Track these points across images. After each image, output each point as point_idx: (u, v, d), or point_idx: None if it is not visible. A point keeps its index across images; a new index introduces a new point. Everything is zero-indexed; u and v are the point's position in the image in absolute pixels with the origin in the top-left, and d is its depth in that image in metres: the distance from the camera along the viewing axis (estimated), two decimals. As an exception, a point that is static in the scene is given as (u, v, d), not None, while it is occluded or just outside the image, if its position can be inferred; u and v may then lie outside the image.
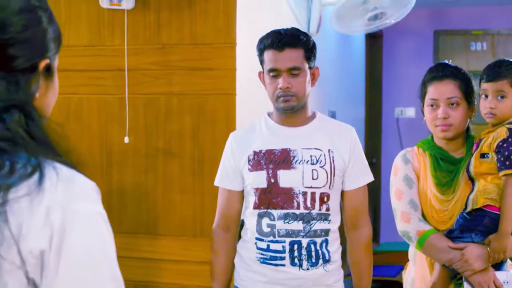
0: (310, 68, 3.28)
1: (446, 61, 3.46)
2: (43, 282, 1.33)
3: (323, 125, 3.37)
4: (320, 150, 3.28)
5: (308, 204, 3.25)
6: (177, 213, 4.29)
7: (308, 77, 3.27)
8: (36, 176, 1.35)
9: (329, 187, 3.27)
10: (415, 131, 8.67)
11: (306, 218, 3.24)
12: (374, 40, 9.01)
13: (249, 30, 4.31)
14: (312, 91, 3.33)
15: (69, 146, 1.49)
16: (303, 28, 4.95)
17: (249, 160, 3.32)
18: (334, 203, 3.31)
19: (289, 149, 3.28)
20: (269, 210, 3.27)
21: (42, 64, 1.50)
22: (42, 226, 1.33)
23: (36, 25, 1.48)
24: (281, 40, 3.22)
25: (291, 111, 3.28)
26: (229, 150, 3.41)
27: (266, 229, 3.29)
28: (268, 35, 3.28)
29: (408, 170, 3.36)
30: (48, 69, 1.51)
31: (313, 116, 3.40)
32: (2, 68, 1.42)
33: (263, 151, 3.30)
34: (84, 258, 1.38)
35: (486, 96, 3.24)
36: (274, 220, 3.27)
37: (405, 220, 3.29)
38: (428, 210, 3.31)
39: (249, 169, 3.32)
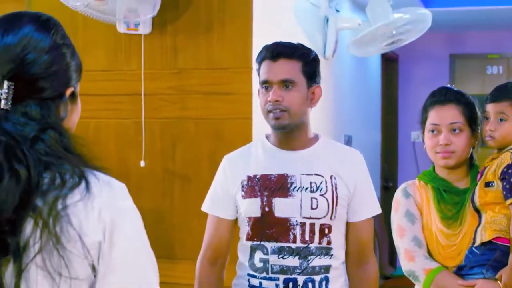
0: (309, 85, 2.96)
1: (449, 86, 3.30)
2: (100, 265, 1.66)
3: (326, 149, 3.04)
4: (321, 176, 2.95)
5: (306, 237, 2.91)
6: (194, 237, 4.29)
7: (305, 93, 2.94)
8: (83, 184, 1.66)
9: (331, 218, 2.93)
10: (431, 154, 8.64)
11: (303, 253, 2.90)
12: (390, 63, 9.01)
13: (265, 54, 4.31)
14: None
15: (93, 154, 1.80)
16: (319, 53, 4.95)
17: (242, 186, 2.99)
18: (337, 236, 2.97)
19: (287, 174, 2.95)
20: (262, 243, 2.94)
21: (68, 92, 1.78)
22: (97, 223, 1.65)
23: (61, 60, 1.75)
24: (276, 49, 2.95)
25: (285, 130, 2.95)
26: (221, 174, 3.11)
27: (258, 264, 2.95)
28: (265, 46, 3.02)
29: (409, 205, 3.14)
30: (72, 95, 1.80)
31: (316, 138, 3.07)
32: (35, 97, 1.70)
33: (257, 176, 2.97)
34: (130, 244, 1.72)
35: (487, 118, 3.11)
36: (267, 254, 2.93)
37: (409, 258, 3.06)
38: (434, 246, 3.08)
39: (242, 195, 2.99)
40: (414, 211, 3.14)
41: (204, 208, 3.16)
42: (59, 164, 1.66)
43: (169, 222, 4.33)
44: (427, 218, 3.12)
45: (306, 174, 2.95)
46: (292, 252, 2.91)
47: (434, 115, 3.12)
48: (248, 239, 2.99)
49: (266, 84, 2.95)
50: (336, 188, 2.95)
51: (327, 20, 5.54)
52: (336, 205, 2.94)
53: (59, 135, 1.70)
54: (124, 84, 4.40)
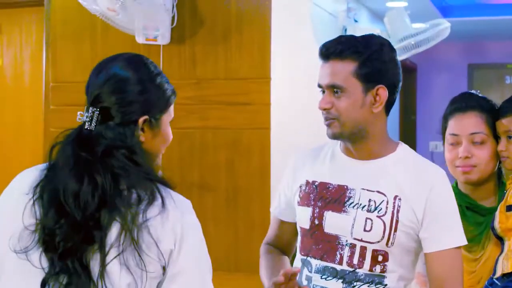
0: (368, 88, 2.51)
1: (474, 91, 2.96)
2: (169, 268, 2.02)
3: (399, 163, 2.58)
4: (384, 194, 2.51)
5: (354, 261, 2.50)
6: (211, 247, 4.26)
7: (359, 99, 2.50)
8: (159, 200, 2.03)
9: (387, 245, 2.49)
10: (450, 165, 8.62)
11: (348, 278, 2.51)
12: (408, 73, 9.00)
13: (283, 65, 4.32)
14: None
15: (160, 171, 2.21)
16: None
17: (300, 191, 2.67)
18: (396, 265, 2.52)
19: (347, 187, 2.56)
20: (308, 259, 2.60)
21: (140, 120, 2.10)
22: (170, 234, 2.01)
23: (131, 95, 2.10)
24: (327, 47, 2.54)
25: (339, 139, 2.60)
26: (288, 172, 2.80)
27: (304, 282, 2.61)
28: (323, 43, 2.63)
29: None
30: (151, 122, 2.12)
31: (393, 149, 2.61)
32: (110, 122, 2.07)
33: (316, 183, 2.62)
34: (193, 252, 2.07)
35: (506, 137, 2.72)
36: (311, 272, 2.59)
37: (421, 283, 2.72)
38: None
39: (298, 201, 2.67)
40: None
41: (271, 208, 2.89)
42: (127, 176, 2.02)
43: (187, 232, 4.33)
44: None
45: (368, 190, 2.54)
46: (336, 274, 2.54)
47: (453, 125, 2.78)
48: (300, 251, 2.68)
49: (320, 88, 2.58)
50: (398, 211, 2.50)
51: (346, 30, 5.54)
52: (395, 231, 2.49)
53: (130, 153, 2.05)
54: (142, 94, 4.40)
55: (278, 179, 4.15)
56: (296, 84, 4.58)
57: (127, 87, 2.10)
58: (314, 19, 5.11)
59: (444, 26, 5.40)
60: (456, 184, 2.84)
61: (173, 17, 4.25)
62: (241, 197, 4.21)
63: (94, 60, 4.49)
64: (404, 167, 2.56)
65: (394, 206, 2.49)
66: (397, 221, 2.48)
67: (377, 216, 2.49)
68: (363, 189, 2.53)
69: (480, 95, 2.89)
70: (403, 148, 2.63)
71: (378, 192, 2.52)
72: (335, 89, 2.50)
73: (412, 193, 2.50)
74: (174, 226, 2.03)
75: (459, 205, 2.63)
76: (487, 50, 9.24)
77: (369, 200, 2.52)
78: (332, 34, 5.39)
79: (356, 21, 5.77)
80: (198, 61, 4.31)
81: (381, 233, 2.48)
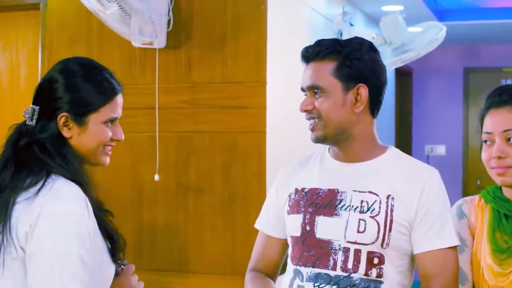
0: (348, 87, 2.46)
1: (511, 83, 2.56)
2: (26, 249, 2.09)
3: (390, 164, 2.52)
4: (376, 195, 2.44)
5: (349, 265, 2.40)
6: (207, 251, 4.29)
7: (340, 99, 2.46)
8: (38, 187, 2.14)
9: (382, 246, 2.40)
10: (446, 169, 8.62)
11: (342, 283, 2.40)
12: (404, 77, 9.01)
13: (279, 69, 4.33)
14: None
15: (85, 170, 2.32)
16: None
17: (289, 200, 2.59)
18: (392, 269, 2.42)
19: (337, 190, 2.48)
20: (299, 268, 2.50)
21: (59, 117, 2.24)
22: (28, 217, 2.10)
23: (49, 94, 2.26)
24: (306, 50, 2.54)
25: (325, 143, 2.55)
26: (274, 186, 2.71)
27: None
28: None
29: (461, 228, 2.54)
30: (76, 120, 2.25)
31: (382, 151, 2.56)
32: (37, 118, 2.27)
33: (306, 190, 2.54)
34: (46, 237, 2.09)
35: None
36: (303, 281, 2.47)
37: None
38: (479, 283, 2.48)
39: (287, 211, 2.58)
40: (465, 236, 2.54)
41: (256, 224, 2.77)
42: (31, 166, 2.19)
43: (182, 236, 4.33)
44: (477, 247, 2.51)
45: (359, 191, 2.46)
46: (330, 280, 2.42)
47: (487, 122, 2.50)
48: (291, 261, 2.56)
49: (303, 92, 2.56)
50: (391, 211, 2.41)
51: (341, 34, 5.55)
52: (390, 231, 2.40)
53: (42, 147, 2.22)
54: (138, 98, 4.41)
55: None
56: (292, 88, 4.57)
57: (54, 86, 2.25)
58: (310, 23, 5.12)
59: (440, 34, 5.41)
60: (500, 188, 2.53)
61: (169, 21, 4.25)
62: (237, 201, 4.21)
63: (90, 64, 4.50)
64: (395, 167, 2.51)
65: (387, 206, 2.42)
66: (391, 221, 2.41)
67: (371, 217, 2.42)
68: (354, 190, 2.47)
69: None
70: (393, 151, 2.60)
71: (370, 192, 2.46)
72: (315, 90, 2.48)
73: (405, 192, 2.44)
74: (33, 211, 2.11)
75: (497, 212, 2.48)
76: (483, 54, 9.25)
77: (361, 201, 2.44)
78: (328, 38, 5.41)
79: (352, 25, 5.78)
80: (194, 65, 4.31)
81: (375, 234, 2.40)
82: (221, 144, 4.27)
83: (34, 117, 2.25)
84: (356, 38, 2.57)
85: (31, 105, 2.27)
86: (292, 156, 4.41)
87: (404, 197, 2.43)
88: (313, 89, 2.49)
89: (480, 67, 9.26)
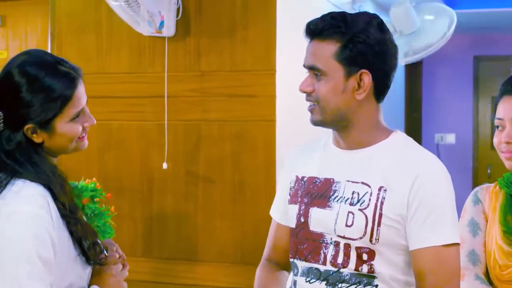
0: (350, 72, 2.27)
1: None
2: None
3: (388, 151, 2.32)
4: (368, 186, 2.27)
5: (338, 260, 2.27)
6: (217, 239, 4.29)
7: (340, 83, 2.27)
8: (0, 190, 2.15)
9: (371, 241, 2.23)
10: (455, 157, 8.61)
11: (331, 279, 2.28)
12: (413, 66, 8.96)
13: (288, 57, 4.31)
14: None
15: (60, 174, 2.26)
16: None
17: (290, 188, 2.47)
18: (384, 264, 2.26)
19: (333, 180, 2.33)
20: (295, 261, 2.39)
21: (25, 129, 2.22)
22: None
23: (12, 102, 2.21)
24: (310, 26, 2.34)
25: (323, 127, 2.38)
26: (283, 170, 2.59)
27: (288, 287, 2.45)
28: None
29: (476, 213, 2.58)
30: (44, 126, 2.22)
31: (384, 137, 2.36)
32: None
33: (305, 178, 2.41)
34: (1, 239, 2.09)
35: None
36: (297, 275, 2.38)
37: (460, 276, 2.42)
38: (491, 264, 2.51)
39: (288, 199, 2.47)
40: (479, 220, 2.59)
41: (270, 210, 2.64)
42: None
43: (192, 224, 4.33)
44: (490, 230, 2.56)
45: (352, 182, 2.30)
46: (320, 276, 2.31)
47: (500, 108, 2.56)
48: (289, 253, 2.46)
49: (305, 69, 2.38)
50: (381, 203, 2.23)
51: (351, 22, 5.52)
52: (379, 225, 2.23)
53: (8, 156, 2.21)
54: (147, 87, 4.41)
55: (283, 172, 4.16)
56: (301, 76, 4.57)
57: (19, 95, 2.20)
58: (320, 11, 5.09)
59: (451, 29, 5.38)
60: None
61: (178, 9, 4.25)
62: (247, 189, 4.21)
63: (99, 52, 4.50)
64: (393, 155, 2.30)
65: (378, 198, 2.24)
66: (380, 215, 2.22)
67: (359, 209, 2.25)
68: (347, 181, 2.30)
69: None
70: (397, 135, 2.37)
71: (363, 183, 2.28)
72: (315, 72, 2.30)
73: (397, 183, 2.24)
74: None
75: (509, 196, 2.53)
76: (493, 42, 9.21)
77: (353, 193, 2.28)
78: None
79: (361, 13, 5.75)
80: (203, 53, 4.31)
81: (363, 228, 2.23)
82: (230, 132, 4.26)
83: (1, 121, 2.24)
84: (364, 15, 2.34)
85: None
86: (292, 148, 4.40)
87: (396, 188, 2.24)
88: (313, 70, 2.31)
89: (490, 55, 9.21)
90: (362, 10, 5.82)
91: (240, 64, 4.23)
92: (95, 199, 3.77)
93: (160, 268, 4.40)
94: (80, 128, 2.29)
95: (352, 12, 5.48)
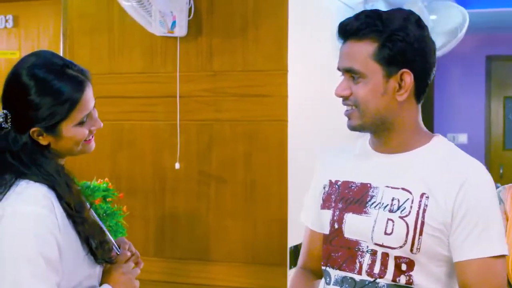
0: (390, 73, 2.16)
1: None
2: None
3: (430, 156, 2.21)
4: (409, 192, 2.15)
5: (375, 269, 2.16)
6: (229, 239, 4.29)
7: (380, 85, 2.16)
8: (3, 189, 2.15)
9: (412, 250, 2.12)
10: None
11: None
12: (425, 65, 8.97)
13: (300, 57, 4.31)
14: None
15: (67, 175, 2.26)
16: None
17: (323, 193, 2.35)
18: (424, 276, 2.15)
19: (370, 185, 2.23)
20: (327, 269, 2.28)
21: (31, 132, 2.21)
22: None
23: (21, 107, 2.21)
24: (344, 26, 2.20)
25: (360, 131, 2.28)
26: (315, 174, 2.47)
27: None
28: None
29: None
30: (50, 130, 2.22)
31: (426, 140, 2.26)
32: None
33: (339, 182, 2.30)
34: (6, 238, 2.08)
35: None
36: (329, 283, 2.27)
37: None
38: (509, 266, 2.47)
39: (320, 204, 2.35)
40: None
41: (301, 216, 2.52)
42: (3, 173, 2.19)
43: (204, 224, 4.34)
44: (509, 231, 2.52)
45: (392, 187, 2.18)
46: (354, 285, 2.20)
47: None
48: (322, 261, 2.34)
49: (339, 72, 2.25)
50: (424, 211, 2.12)
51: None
52: (421, 234, 2.11)
53: (15, 156, 2.21)
54: (159, 87, 4.41)
55: (295, 172, 4.16)
56: (313, 76, 4.57)
57: (27, 98, 2.19)
58: (331, 10, 5.10)
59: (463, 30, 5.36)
60: None
61: (190, 9, 4.25)
62: (259, 189, 4.21)
63: (111, 52, 4.50)
64: (434, 160, 2.19)
65: (419, 205, 2.12)
66: (422, 223, 2.11)
67: (400, 217, 2.13)
68: (386, 186, 2.19)
69: None
70: (439, 140, 2.27)
71: (403, 189, 2.16)
72: (353, 74, 2.18)
73: (441, 190, 2.12)
74: None
75: None
76: (505, 42, 9.18)
77: (392, 199, 2.16)
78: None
79: (373, 12, 5.74)
80: (215, 53, 4.31)
81: (404, 237, 2.11)
82: (242, 132, 4.26)
83: (8, 120, 2.23)
84: (399, 11, 2.22)
85: (3, 110, 2.25)
86: (314, 144, 4.40)
87: (439, 195, 2.12)
88: (350, 73, 2.18)
89: (502, 55, 9.19)
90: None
91: (252, 64, 4.23)
92: (107, 199, 3.78)
93: (172, 268, 4.41)
94: (87, 131, 2.28)
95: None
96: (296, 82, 4.22)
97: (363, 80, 2.16)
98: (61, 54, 4.63)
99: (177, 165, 4.32)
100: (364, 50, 2.15)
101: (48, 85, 2.20)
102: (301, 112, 4.28)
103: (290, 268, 4.09)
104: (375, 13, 2.18)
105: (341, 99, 2.23)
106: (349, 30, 2.17)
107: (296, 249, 3.90)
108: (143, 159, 4.46)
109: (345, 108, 2.24)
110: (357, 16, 2.19)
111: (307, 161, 4.31)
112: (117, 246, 2.43)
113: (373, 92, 2.16)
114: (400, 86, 2.17)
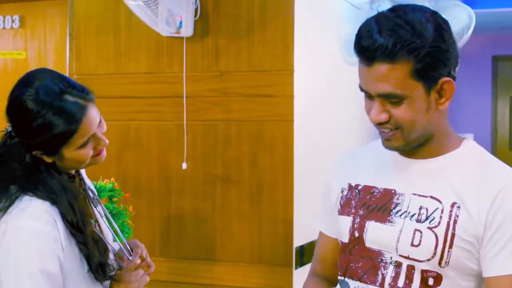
0: (431, 85, 1.99)
1: None
2: None
3: (460, 163, 2.07)
4: (438, 201, 2.01)
5: (399, 283, 2.02)
6: (235, 239, 4.29)
7: (424, 101, 1.99)
8: (7, 203, 2.16)
9: (440, 264, 1.98)
10: (473, 157, 8.56)
11: None
12: (431, 66, 8.96)
13: (307, 57, 4.31)
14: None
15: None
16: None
17: (341, 197, 2.23)
18: None
19: (394, 191, 2.09)
20: (345, 279, 2.15)
21: (34, 153, 2.24)
22: None
23: (26, 127, 2.22)
24: (369, 47, 1.95)
25: (401, 150, 2.11)
26: (331, 177, 2.33)
27: None
28: (358, 32, 2.04)
29: None
30: (52, 154, 2.24)
31: (455, 146, 2.12)
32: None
33: (359, 187, 2.17)
34: (8, 252, 2.09)
35: None
36: None
37: None
38: None
39: (338, 210, 2.22)
40: None
41: (314, 220, 2.43)
42: (8, 185, 2.20)
43: (210, 224, 4.34)
44: None
45: (419, 195, 2.04)
46: None
47: None
48: (338, 270, 2.22)
49: (365, 93, 2.06)
50: (455, 222, 1.97)
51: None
52: (450, 247, 1.97)
53: (17, 170, 2.22)
54: (165, 87, 4.41)
55: (301, 172, 4.16)
56: (320, 76, 4.57)
57: (32, 124, 2.19)
58: (338, 11, 5.09)
59: (469, 31, 5.35)
60: None
61: (196, 9, 4.25)
62: (265, 190, 4.21)
63: (117, 53, 4.51)
64: (466, 167, 2.04)
65: (450, 216, 1.98)
66: (453, 235, 1.96)
67: (428, 228, 1.99)
68: (413, 194, 2.05)
69: None
70: (469, 144, 2.14)
71: (432, 197, 2.02)
72: (390, 100, 1.99)
73: (474, 199, 1.98)
74: (1, 227, 2.15)
75: None
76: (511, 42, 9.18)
77: (420, 208, 2.02)
78: (355, 26, 5.37)
79: (379, 13, 5.73)
80: (221, 54, 4.31)
81: (432, 249, 1.98)
82: (248, 133, 4.26)
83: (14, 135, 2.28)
84: (424, 14, 1.99)
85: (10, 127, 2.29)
86: (320, 145, 4.40)
87: (472, 205, 1.97)
88: (387, 98, 1.99)
89: (509, 55, 9.18)
90: (380, 10, 5.80)
91: (258, 64, 4.23)
92: (113, 199, 3.78)
93: (178, 268, 4.41)
94: (91, 152, 2.28)
95: (371, 12, 5.47)
96: (302, 82, 4.22)
97: (404, 102, 1.98)
98: (67, 53, 4.63)
99: (184, 165, 4.32)
100: (401, 71, 1.94)
101: (42, 118, 2.19)
102: (307, 112, 4.28)
103: (296, 268, 4.09)
104: (398, 26, 1.94)
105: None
106: (378, 51, 1.94)
107: (302, 249, 3.89)
108: (149, 159, 4.46)
109: (381, 130, 2.07)
110: (382, 34, 1.94)
111: (313, 162, 4.31)
112: (129, 249, 2.43)
113: (418, 111, 1.99)
114: (440, 95, 2.03)
